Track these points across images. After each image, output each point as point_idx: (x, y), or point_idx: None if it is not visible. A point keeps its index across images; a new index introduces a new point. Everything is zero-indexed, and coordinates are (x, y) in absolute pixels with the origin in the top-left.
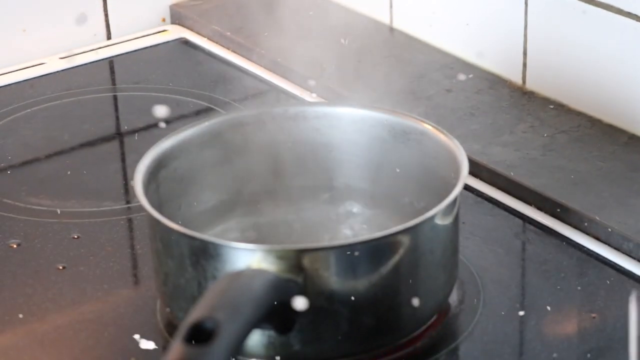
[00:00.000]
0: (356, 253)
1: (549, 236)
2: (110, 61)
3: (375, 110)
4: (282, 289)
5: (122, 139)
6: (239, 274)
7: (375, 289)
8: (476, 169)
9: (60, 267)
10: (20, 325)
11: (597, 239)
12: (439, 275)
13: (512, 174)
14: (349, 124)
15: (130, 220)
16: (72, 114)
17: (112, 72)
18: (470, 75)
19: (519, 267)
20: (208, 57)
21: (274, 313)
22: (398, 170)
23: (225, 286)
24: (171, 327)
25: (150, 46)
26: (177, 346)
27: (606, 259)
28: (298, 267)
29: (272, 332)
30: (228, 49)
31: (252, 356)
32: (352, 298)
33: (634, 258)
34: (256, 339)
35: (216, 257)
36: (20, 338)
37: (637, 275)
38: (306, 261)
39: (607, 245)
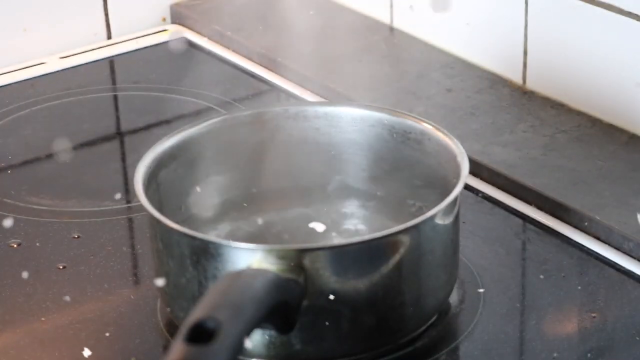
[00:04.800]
0: (356, 253)
1: (549, 236)
2: (110, 61)
3: (375, 110)
4: (283, 289)
5: (122, 139)
6: (240, 274)
7: (376, 289)
8: (476, 169)
9: (61, 267)
10: (20, 325)
11: (598, 238)
12: (440, 275)
13: (512, 173)
14: (349, 124)
15: (130, 220)
16: (72, 114)
17: (112, 72)
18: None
19: (519, 267)
20: (208, 57)
21: (275, 313)
22: (398, 170)
23: (226, 286)
24: (172, 327)
25: (150, 46)
26: (178, 346)
27: (606, 258)
28: (299, 267)
29: (273, 332)
30: (228, 49)
31: (253, 356)
32: (353, 298)
33: (634, 257)
34: (257, 339)
35: (217, 256)
36: (20, 338)
37: (638, 275)
38: (307, 261)
39: (607, 245)
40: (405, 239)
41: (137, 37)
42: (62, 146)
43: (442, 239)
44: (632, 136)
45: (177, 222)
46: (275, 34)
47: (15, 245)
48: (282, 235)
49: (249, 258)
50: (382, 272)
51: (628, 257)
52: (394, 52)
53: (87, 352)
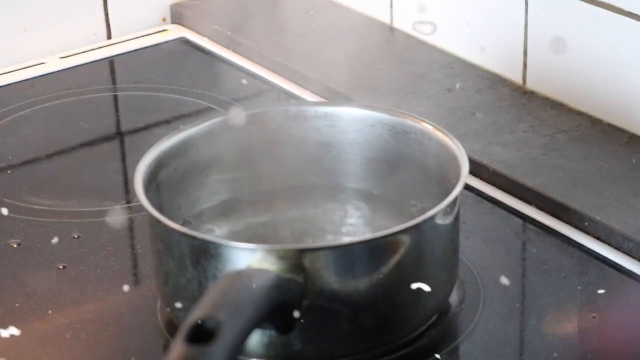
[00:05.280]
0: (357, 253)
1: (549, 236)
2: (110, 61)
3: (375, 110)
4: (283, 289)
5: (122, 139)
6: (240, 274)
7: (376, 289)
8: (476, 169)
9: (61, 267)
10: (20, 325)
11: (598, 238)
12: (440, 275)
13: (512, 173)
14: (349, 124)
15: (130, 220)
16: (72, 114)
17: (112, 72)
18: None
19: (519, 267)
20: (208, 57)
21: (275, 313)
22: (398, 170)
23: (227, 286)
24: (171, 327)
25: (151, 46)
26: (178, 346)
27: (606, 258)
28: (299, 267)
29: (273, 332)
30: (228, 48)
31: (253, 356)
32: (353, 298)
33: (634, 258)
34: (257, 339)
35: (217, 256)
36: (20, 338)
37: (638, 275)
38: (307, 261)
39: (607, 245)
40: (405, 239)
41: (137, 37)
42: (61, 146)
43: (442, 239)
44: (632, 136)
45: (177, 222)
46: (275, 34)
47: (15, 245)
48: (282, 235)
49: (249, 258)
50: (382, 272)
51: (628, 257)
52: (394, 52)
53: (87, 352)
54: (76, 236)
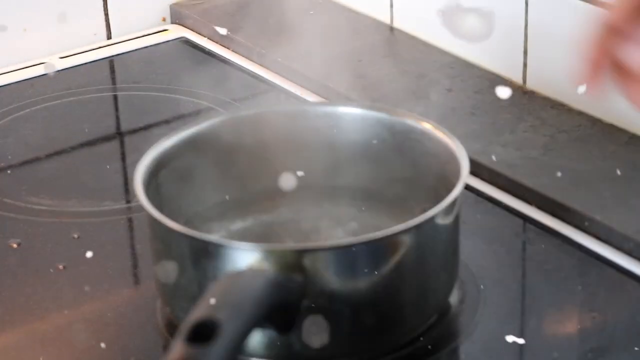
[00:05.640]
0: (357, 253)
1: (550, 236)
2: (110, 61)
3: (375, 110)
4: (283, 289)
5: (122, 139)
6: (240, 274)
7: (376, 289)
8: (477, 169)
9: (61, 267)
10: (20, 325)
11: (598, 238)
12: (440, 275)
13: (512, 173)
14: (349, 124)
15: (130, 220)
16: (72, 114)
17: (112, 72)
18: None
19: (519, 267)
20: (208, 57)
21: (275, 313)
22: (398, 170)
23: (226, 286)
24: (171, 327)
25: (150, 46)
26: (178, 346)
27: (606, 258)
28: (299, 267)
29: (272, 332)
30: (228, 49)
31: (253, 356)
32: (353, 298)
33: (634, 257)
34: (257, 339)
35: (217, 257)
36: (20, 338)
37: (638, 275)
38: (307, 261)
39: (607, 245)
40: (406, 239)
41: (137, 37)
42: (61, 146)
43: (442, 239)
44: (632, 136)
45: (177, 222)
46: (275, 34)
47: (15, 245)
48: (282, 235)
49: (249, 258)
50: (382, 272)
51: (628, 257)
52: (394, 52)
53: (87, 352)
54: (76, 236)
